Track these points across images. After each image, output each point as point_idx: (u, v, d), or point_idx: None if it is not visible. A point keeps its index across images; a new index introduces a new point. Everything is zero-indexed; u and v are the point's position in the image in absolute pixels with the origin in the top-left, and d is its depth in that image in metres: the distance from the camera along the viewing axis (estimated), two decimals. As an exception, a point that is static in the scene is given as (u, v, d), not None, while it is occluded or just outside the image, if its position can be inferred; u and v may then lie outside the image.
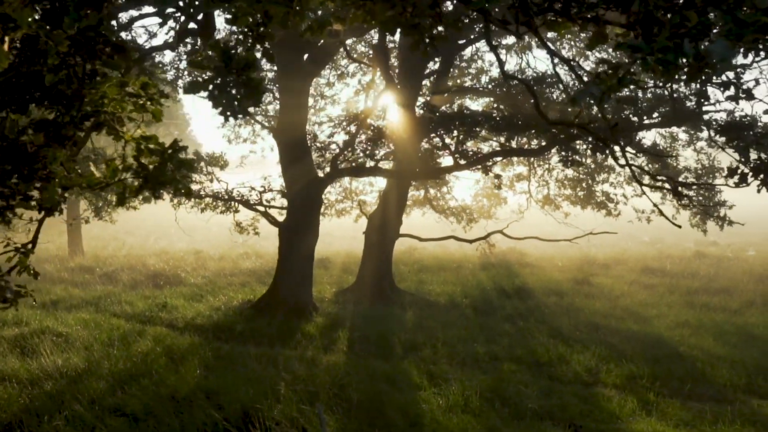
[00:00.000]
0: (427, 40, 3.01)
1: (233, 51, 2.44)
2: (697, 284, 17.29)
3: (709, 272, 18.79)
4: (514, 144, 12.92)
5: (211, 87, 2.37)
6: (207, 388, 7.91)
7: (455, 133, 11.74)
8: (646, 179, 11.23)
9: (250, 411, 6.99)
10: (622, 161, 8.16)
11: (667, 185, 10.17)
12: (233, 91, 2.40)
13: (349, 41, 19.75)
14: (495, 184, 12.70)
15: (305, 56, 12.70)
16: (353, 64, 19.92)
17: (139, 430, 6.68)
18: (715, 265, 20.03)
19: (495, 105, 12.50)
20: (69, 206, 21.41)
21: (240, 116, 2.48)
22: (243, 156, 19.49)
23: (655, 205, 6.87)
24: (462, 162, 12.06)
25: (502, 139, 12.02)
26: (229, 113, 2.39)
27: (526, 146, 14.03)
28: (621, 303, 15.28)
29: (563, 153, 10.65)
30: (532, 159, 18.90)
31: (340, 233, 30.98)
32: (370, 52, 18.66)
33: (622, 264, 20.91)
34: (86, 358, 9.13)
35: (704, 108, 10.49)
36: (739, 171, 3.64)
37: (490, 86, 15.91)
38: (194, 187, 14.45)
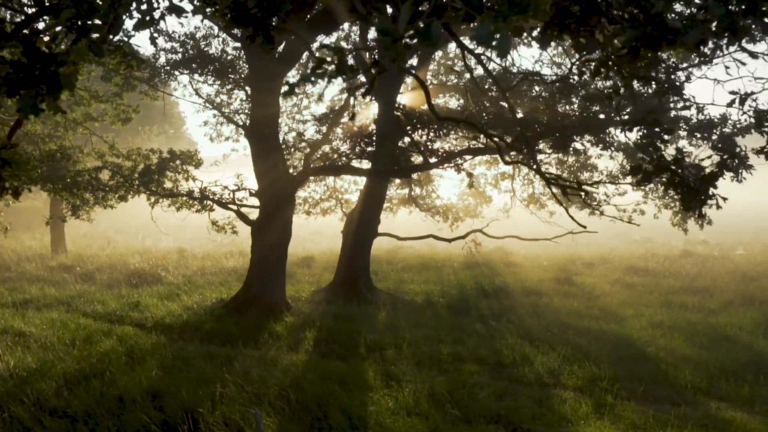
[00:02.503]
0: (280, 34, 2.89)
1: (36, 44, 2.33)
2: (678, 284, 17.14)
3: (692, 272, 18.63)
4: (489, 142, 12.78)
5: (9, 83, 2.25)
6: (156, 389, 7.83)
7: (425, 131, 11.62)
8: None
9: (192, 413, 6.92)
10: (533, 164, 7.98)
11: (574, 184, 10.09)
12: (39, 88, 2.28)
13: (332, 39, 19.66)
14: (468, 183, 12.54)
15: (276, 56, 12.59)
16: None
17: (76, 431, 6.60)
18: (700, 265, 19.85)
19: (461, 103, 12.36)
20: (52, 204, 21.39)
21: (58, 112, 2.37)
22: (225, 154, 19.41)
23: (558, 201, 6.69)
24: (432, 160, 11.94)
25: (475, 138, 11.90)
26: (29, 110, 2.28)
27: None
28: (599, 303, 15.14)
29: (526, 151, 10.52)
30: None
31: (330, 232, 30.89)
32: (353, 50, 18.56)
33: (607, 263, 20.76)
34: (41, 358, 9.06)
35: (675, 107, 10.34)
36: (642, 169, 3.52)
37: (467, 84, 15.77)
38: (167, 185, 14.37)
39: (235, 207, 13.70)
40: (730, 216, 52.72)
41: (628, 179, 14.04)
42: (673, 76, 6.85)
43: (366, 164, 15.08)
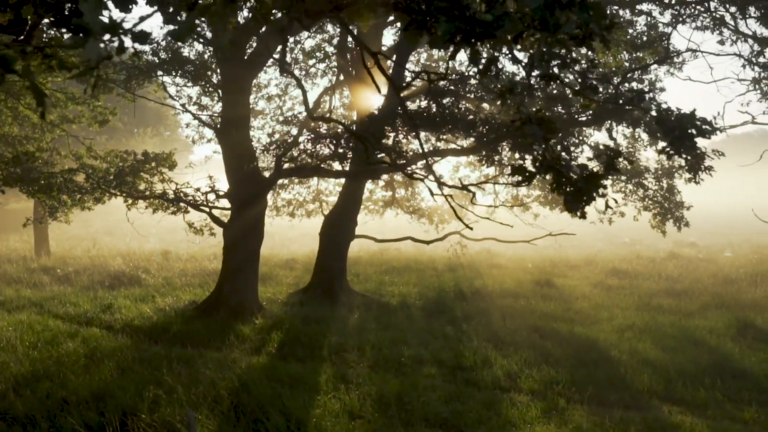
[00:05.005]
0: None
1: None
2: (659, 286, 17.03)
3: (674, 274, 18.50)
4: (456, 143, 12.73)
5: None
6: (104, 391, 7.79)
7: (393, 132, 11.58)
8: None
9: (130, 415, 6.89)
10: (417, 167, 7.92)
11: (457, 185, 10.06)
12: None
13: (312, 42, 19.66)
14: (439, 185, 12.45)
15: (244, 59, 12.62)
16: (322, 64, 19.89)
17: (10, 433, 6.58)
18: (683, 267, 19.72)
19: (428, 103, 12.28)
20: (35, 206, 21.42)
21: None
22: (207, 156, 19.43)
23: (450, 204, 6.58)
24: (400, 162, 11.90)
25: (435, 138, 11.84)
26: None
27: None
28: (576, 305, 15.04)
29: (487, 153, 10.46)
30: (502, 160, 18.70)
31: (320, 234, 30.82)
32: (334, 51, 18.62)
33: (591, 265, 20.65)
34: (-6, 360, 9.04)
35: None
36: (523, 169, 3.44)
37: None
38: (141, 186, 14.37)
39: (207, 209, 13.68)
40: (727, 217, 52.51)
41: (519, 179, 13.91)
42: (590, 75, 6.76)
43: (339, 166, 15.07)
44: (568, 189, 3.38)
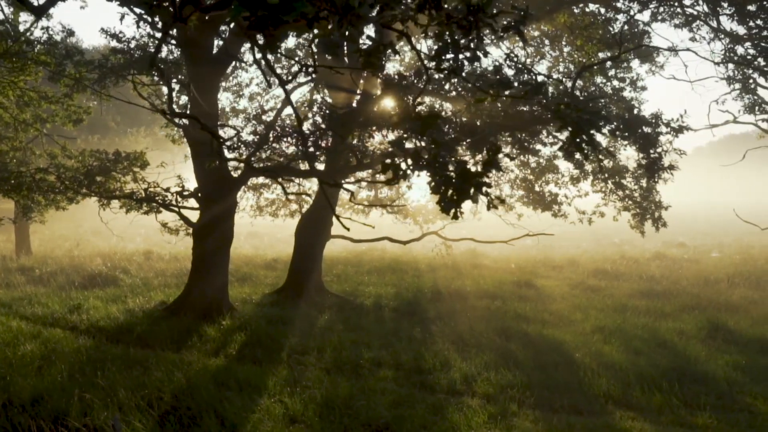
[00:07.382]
0: None
1: None
2: (639, 287, 16.83)
3: (656, 275, 18.28)
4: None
5: None
6: (44, 392, 7.67)
7: (356, 132, 11.43)
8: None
9: (60, 419, 6.77)
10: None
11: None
12: None
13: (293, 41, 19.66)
14: (408, 185, 12.36)
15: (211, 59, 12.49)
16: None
17: (-63, 438, 6.46)
18: (666, 268, 19.49)
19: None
20: (16, 206, 21.35)
21: None
22: (186, 156, 19.32)
23: (330, 204, 6.33)
24: (365, 161, 11.75)
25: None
26: None
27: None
28: (552, 307, 14.86)
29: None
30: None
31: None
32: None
33: (575, 266, 20.45)
34: (-58, 361, 8.93)
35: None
36: (395, 166, 3.26)
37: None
38: (113, 186, 14.27)
39: (176, 209, 13.56)
40: (721, 217, 51.94)
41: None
42: (530, 75, 6.52)
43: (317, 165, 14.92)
44: (442, 188, 3.22)
